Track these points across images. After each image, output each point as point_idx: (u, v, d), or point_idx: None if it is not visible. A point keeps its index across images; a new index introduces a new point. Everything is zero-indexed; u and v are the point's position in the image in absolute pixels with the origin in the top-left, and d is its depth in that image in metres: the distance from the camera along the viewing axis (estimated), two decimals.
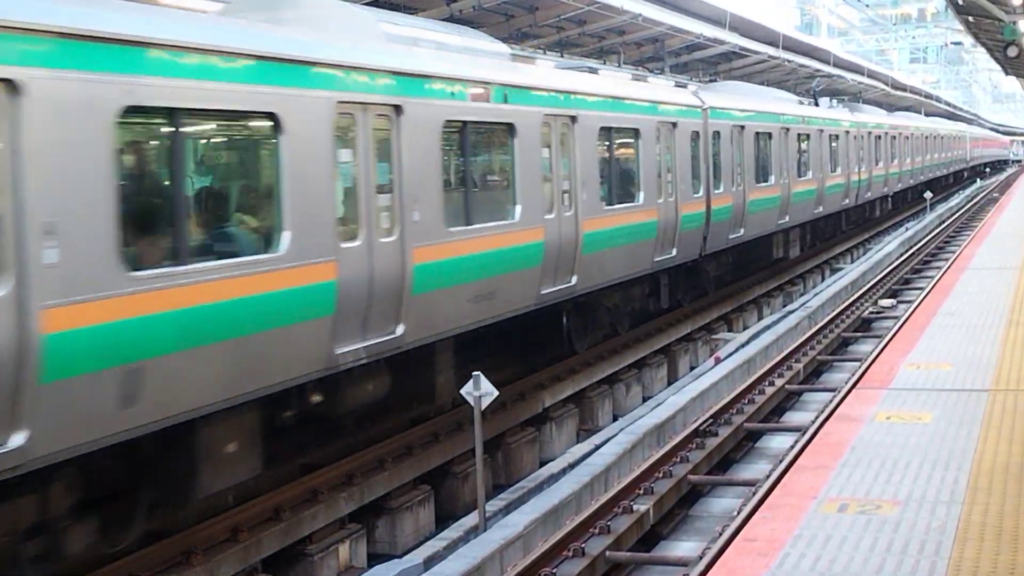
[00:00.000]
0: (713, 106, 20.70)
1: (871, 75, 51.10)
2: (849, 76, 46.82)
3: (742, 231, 22.04)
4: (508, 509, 11.02)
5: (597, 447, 12.70)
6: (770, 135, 24.38)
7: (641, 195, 16.89)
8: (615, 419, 16.06)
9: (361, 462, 11.52)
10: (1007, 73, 39.56)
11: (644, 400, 17.22)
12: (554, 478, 11.97)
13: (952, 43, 64.86)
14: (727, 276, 23.77)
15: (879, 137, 38.14)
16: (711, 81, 34.76)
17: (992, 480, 7.19)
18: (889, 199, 43.03)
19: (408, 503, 11.59)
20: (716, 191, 20.37)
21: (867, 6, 67.17)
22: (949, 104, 77.19)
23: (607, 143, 16.04)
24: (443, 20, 22.90)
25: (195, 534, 9.41)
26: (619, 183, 16.67)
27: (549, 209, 13.89)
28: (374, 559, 10.67)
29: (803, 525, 6.52)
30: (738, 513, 9.56)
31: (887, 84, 54.63)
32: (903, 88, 59.31)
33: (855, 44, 72.44)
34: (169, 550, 9.15)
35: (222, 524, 9.69)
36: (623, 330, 17.84)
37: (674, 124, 18.37)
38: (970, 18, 23.16)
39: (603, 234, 15.25)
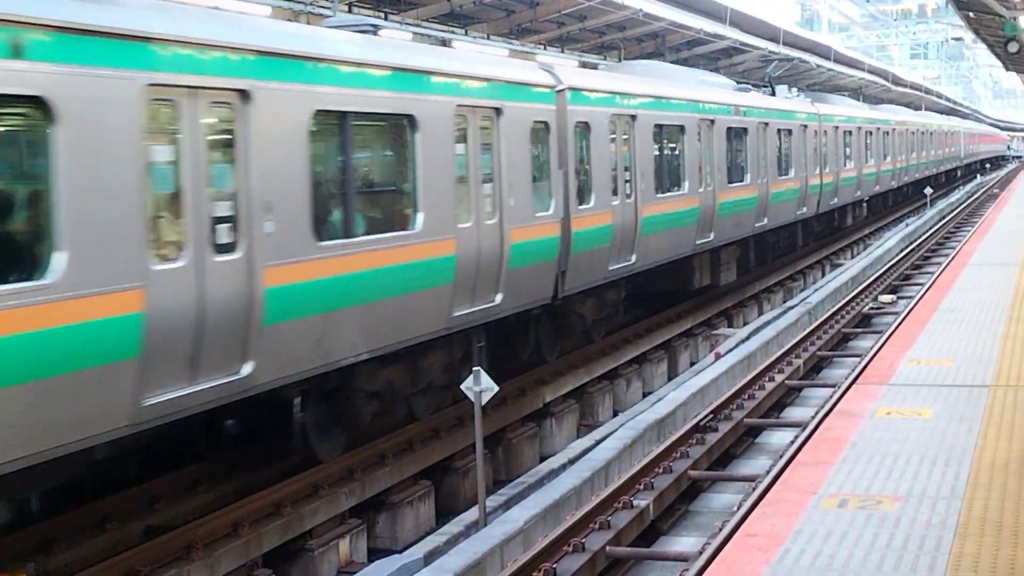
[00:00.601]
0: (576, 87, 15.00)
1: (871, 71, 51.15)
2: (849, 71, 46.86)
3: (633, 258, 16.58)
4: (508, 504, 11.04)
5: (597, 442, 12.71)
6: (682, 129, 18.96)
7: (419, 220, 11.22)
8: (615, 414, 16.09)
9: (362, 457, 11.54)
10: (1008, 69, 39.52)
11: (644, 395, 17.23)
12: (554, 473, 11.99)
13: (953, 39, 64.91)
14: (619, 317, 18.10)
15: (850, 133, 32.80)
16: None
17: (992, 476, 7.19)
18: (864, 205, 37.07)
19: (409, 498, 11.60)
20: (583, 206, 14.92)
21: (868, 2, 67.17)
22: (949, 100, 77.21)
23: (335, 137, 10.41)
24: (443, 16, 22.97)
25: (196, 529, 9.42)
26: (367, 203, 11.15)
27: (169, 255, 8.19)
28: (374, 554, 10.69)
29: (803, 521, 6.52)
30: (738, 509, 9.56)
31: (887, 80, 54.64)
32: (903, 84, 59.35)
33: (856, 40, 72.46)
34: (170, 545, 9.16)
35: (223, 519, 9.70)
36: (421, 415, 12.46)
37: (497, 111, 12.76)
38: (971, 14, 23.13)
39: (318, 288, 9.65)
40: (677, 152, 19.14)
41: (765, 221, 23.89)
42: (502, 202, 12.82)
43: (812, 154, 28.12)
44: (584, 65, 16.60)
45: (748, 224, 22.81)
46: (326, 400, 10.87)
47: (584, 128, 15.20)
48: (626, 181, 16.53)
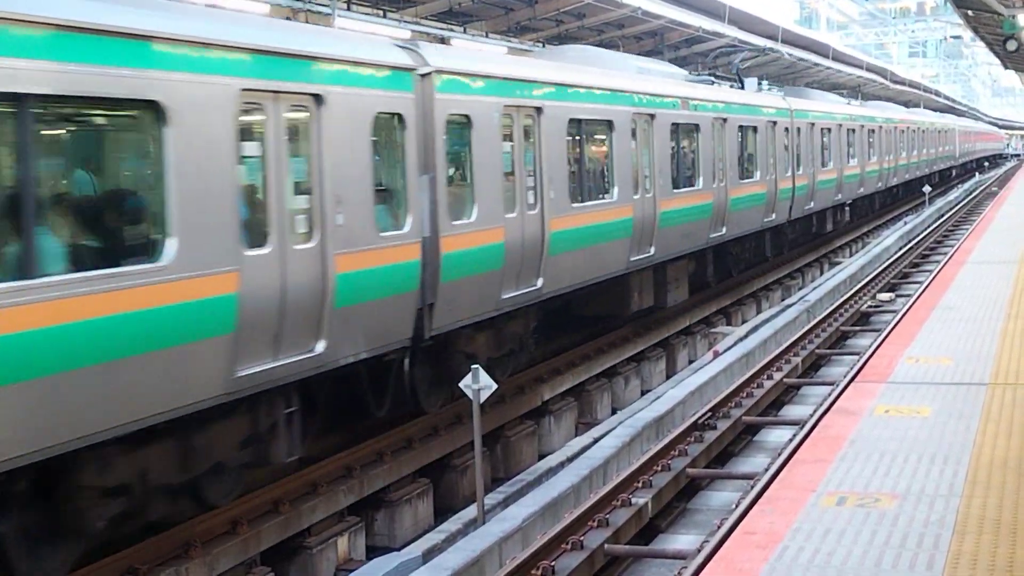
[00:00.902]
0: (449, 70, 11.91)
1: (870, 69, 51.16)
2: (848, 69, 46.86)
3: (540, 282, 13.62)
4: (507, 502, 11.05)
5: (596, 440, 12.73)
6: (610, 125, 15.95)
7: (170, 249, 8.07)
8: (614, 412, 16.11)
9: (360, 455, 11.54)
10: (1006, 67, 39.49)
11: (643, 393, 17.24)
12: (553, 471, 12.00)
13: (951, 37, 64.90)
14: (526, 353, 14.58)
15: (828, 130, 29.88)
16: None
17: (991, 473, 7.20)
18: (846, 209, 34.12)
19: (407, 496, 11.61)
20: (460, 222, 11.94)
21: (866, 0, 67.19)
22: (948, 98, 77.25)
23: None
24: (442, 13, 22.97)
25: (194, 527, 9.42)
26: (73, 228, 7.94)
27: None
28: (373, 552, 10.70)
29: (801, 518, 6.53)
30: (737, 506, 9.56)
31: (885, 78, 54.68)
32: (902, 82, 59.37)
33: (854, 38, 72.47)
34: (168, 543, 9.17)
35: (221, 517, 9.70)
36: (218, 501, 9.53)
37: (316, 98, 9.73)
38: (969, 12, 23.11)
39: None
40: (603, 153, 16.14)
41: (723, 231, 20.78)
42: (324, 220, 9.72)
43: (783, 154, 25.10)
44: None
45: (701, 235, 19.73)
46: (36, 504, 7.79)
47: (463, 123, 12.20)
48: (528, 189, 13.54)
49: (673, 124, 18.43)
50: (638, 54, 30.02)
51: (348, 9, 20.21)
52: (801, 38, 39.59)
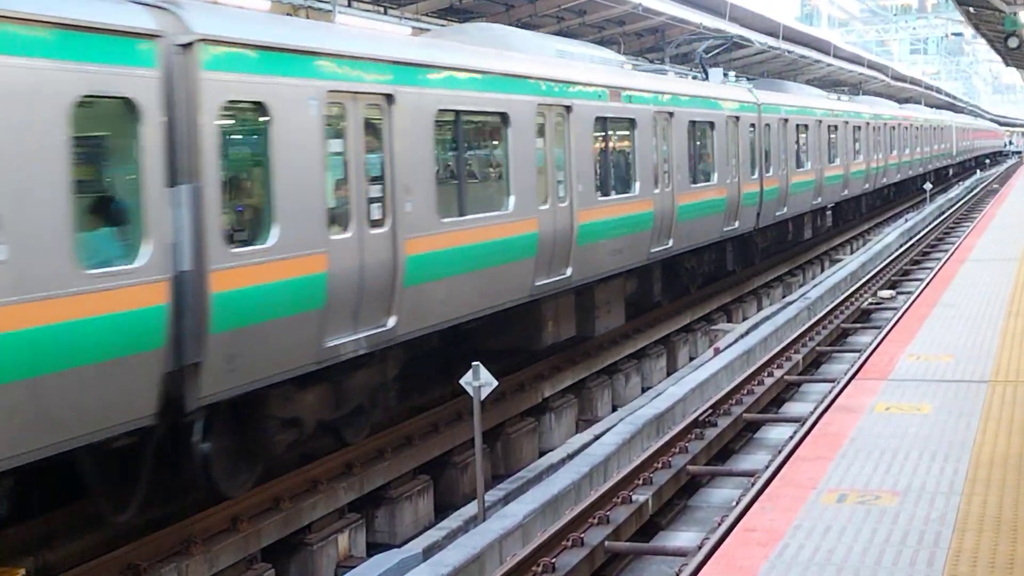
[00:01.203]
0: (220, 39, 8.56)
1: (871, 65, 51.17)
2: (848, 67, 46.88)
3: (392, 321, 10.50)
4: (507, 499, 11.06)
5: (596, 437, 12.74)
6: (505, 119, 12.82)
7: None
8: (614, 409, 16.11)
9: (361, 452, 11.54)
10: (1007, 64, 39.48)
11: (643, 391, 17.24)
12: (553, 468, 12.01)
13: (953, 34, 64.85)
14: (383, 409, 11.74)
15: (805, 127, 26.80)
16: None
17: (991, 471, 7.20)
18: (828, 213, 31.01)
19: (408, 493, 11.61)
20: (246, 248, 8.81)
21: None
22: (949, 95, 77.26)
23: None
24: (443, 10, 22.97)
25: (195, 524, 9.43)
26: None
27: None
28: (373, 549, 10.70)
29: (802, 516, 6.53)
30: (737, 503, 9.57)
31: (886, 74, 54.68)
32: (903, 79, 59.34)
33: (855, 35, 72.45)
34: (169, 540, 9.17)
35: (222, 514, 9.71)
36: None
37: None
38: (971, 9, 23.11)
39: None
40: (495, 154, 13.20)
41: (670, 244, 17.60)
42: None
43: (747, 154, 21.93)
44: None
45: (639, 250, 16.53)
46: None
47: (254, 114, 9.08)
48: (373, 201, 10.35)
49: (598, 119, 15.22)
50: (639, 51, 30.03)
51: (348, 6, 20.21)
52: (802, 35, 39.59)
